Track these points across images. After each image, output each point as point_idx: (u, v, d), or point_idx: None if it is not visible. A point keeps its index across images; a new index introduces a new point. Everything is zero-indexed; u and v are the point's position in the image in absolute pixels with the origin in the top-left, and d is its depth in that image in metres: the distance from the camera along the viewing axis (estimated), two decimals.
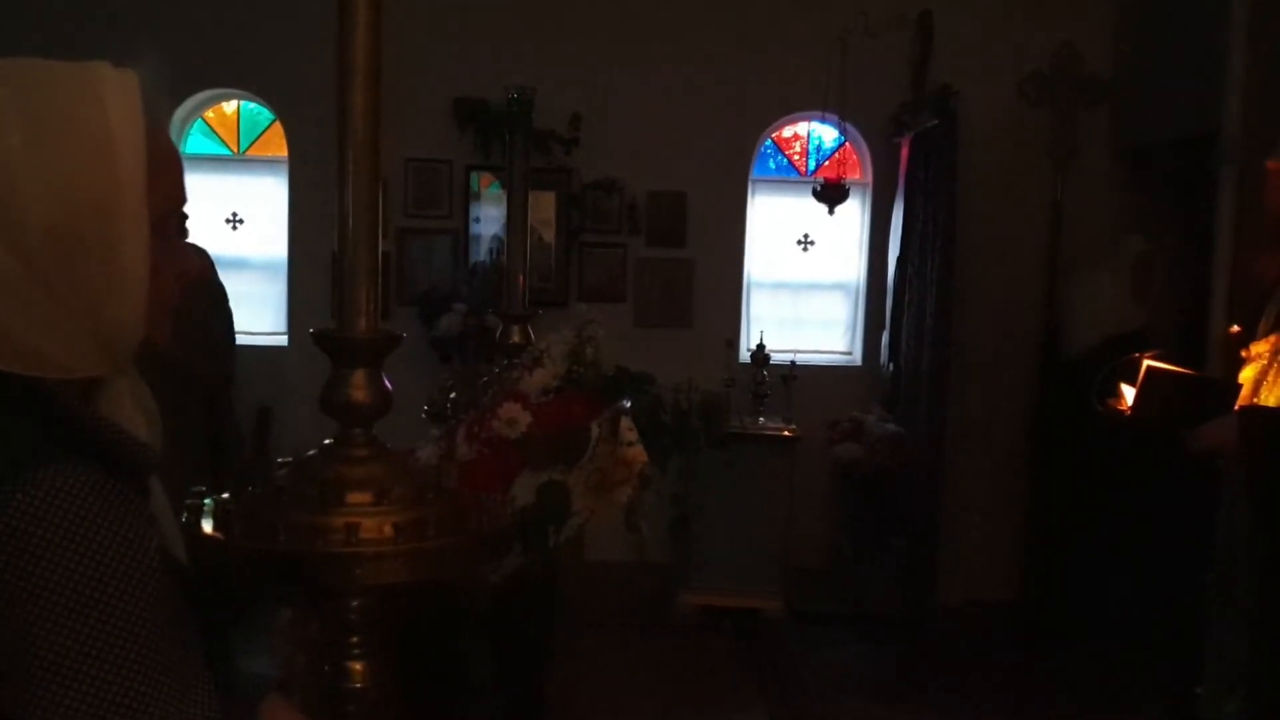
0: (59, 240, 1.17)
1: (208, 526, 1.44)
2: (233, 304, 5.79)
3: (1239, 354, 3.10)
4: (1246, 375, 3.03)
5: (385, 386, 1.46)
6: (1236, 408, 2.96)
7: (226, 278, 5.83)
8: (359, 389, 1.44)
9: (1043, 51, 6.70)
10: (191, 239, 6.13)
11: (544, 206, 6.73)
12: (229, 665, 1.36)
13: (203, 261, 6.06)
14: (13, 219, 1.16)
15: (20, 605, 1.08)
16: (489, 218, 6.83)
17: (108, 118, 1.19)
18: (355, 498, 1.40)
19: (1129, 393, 3.15)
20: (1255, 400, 2.94)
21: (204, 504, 1.47)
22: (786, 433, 6.26)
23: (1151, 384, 3.04)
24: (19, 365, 1.19)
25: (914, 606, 5.98)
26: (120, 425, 1.24)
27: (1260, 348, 3.03)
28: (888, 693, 5.37)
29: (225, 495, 1.48)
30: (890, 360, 6.70)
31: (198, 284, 5.87)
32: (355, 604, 1.45)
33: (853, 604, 6.22)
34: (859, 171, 7.09)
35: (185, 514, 1.45)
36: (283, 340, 6.73)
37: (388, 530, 1.38)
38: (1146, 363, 3.10)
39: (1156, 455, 3.75)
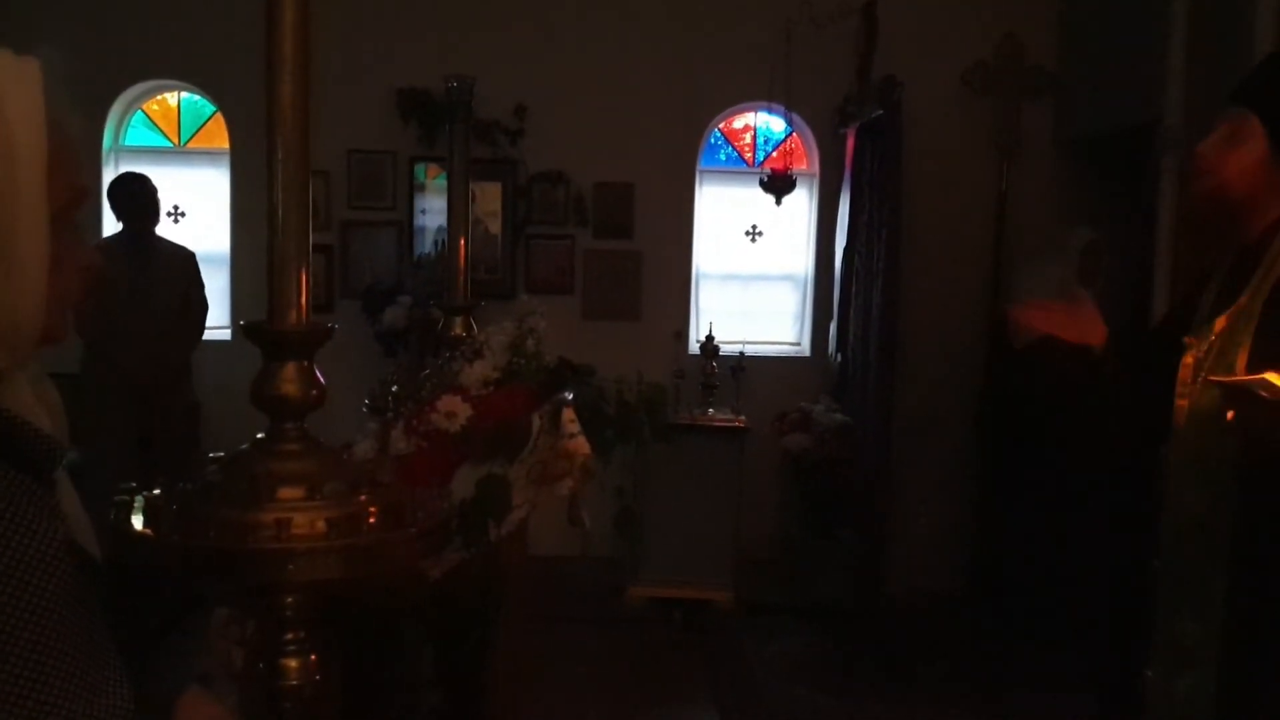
0: None
1: (138, 523, 1.41)
2: None
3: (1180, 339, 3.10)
4: (1186, 360, 3.04)
5: (318, 379, 1.43)
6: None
7: None
8: (289, 382, 1.41)
9: (986, 42, 6.74)
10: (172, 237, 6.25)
11: (490, 198, 6.69)
12: (151, 661, 1.33)
13: (188, 263, 6.11)
14: None
15: None
16: (435, 209, 6.76)
17: (5, 107, 1.15)
18: (286, 493, 1.38)
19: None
20: (1195, 385, 2.95)
21: (134, 501, 1.44)
22: (736, 424, 6.26)
23: None
24: None
25: (862, 597, 6.00)
26: (23, 417, 1.20)
27: (1201, 332, 3.03)
28: (836, 683, 5.38)
29: (156, 492, 1.45)
30: (838, 351, 6.71)
31: (194, 284, 6.05)
32: (289, 600, 1.43)
33: (801, 595, 6.24)
34: (806, 162, 7.10)
35: (114, 511, 1.41)
36: (225, 334, 6.64)
37: (320, 526, 1.35)
38: None
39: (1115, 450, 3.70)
